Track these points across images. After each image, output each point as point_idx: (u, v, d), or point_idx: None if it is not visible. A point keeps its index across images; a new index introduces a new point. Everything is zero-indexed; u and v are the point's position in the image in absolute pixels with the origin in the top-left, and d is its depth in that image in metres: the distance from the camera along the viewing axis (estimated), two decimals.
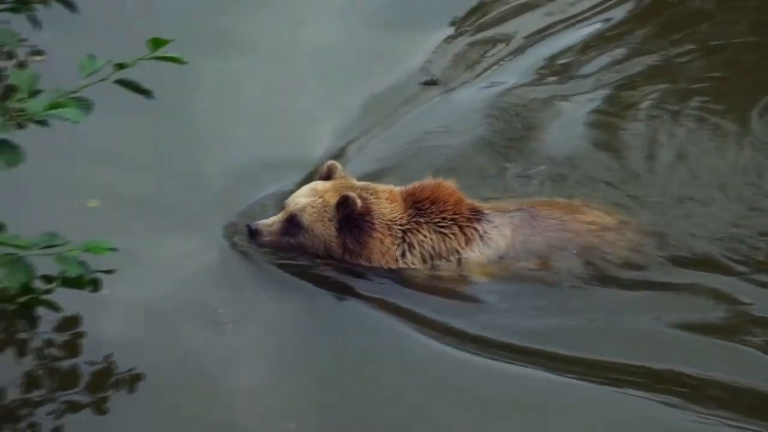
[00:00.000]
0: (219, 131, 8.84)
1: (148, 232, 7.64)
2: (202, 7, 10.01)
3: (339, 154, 8.59)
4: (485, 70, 9.98)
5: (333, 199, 7.31)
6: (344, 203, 7.26)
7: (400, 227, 7.39)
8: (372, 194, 7.41)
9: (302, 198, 7.36)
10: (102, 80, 4.88)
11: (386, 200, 7.39)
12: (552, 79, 9.82)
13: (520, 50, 10.30)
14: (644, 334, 7.11)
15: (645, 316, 7.24)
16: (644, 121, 9.01)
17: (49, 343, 6.76)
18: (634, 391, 6.63)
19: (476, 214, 7.42)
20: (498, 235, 7.39)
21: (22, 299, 5.21)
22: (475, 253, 7.37)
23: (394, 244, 7.38)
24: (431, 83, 9.63)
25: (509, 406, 6.61)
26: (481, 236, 7.37)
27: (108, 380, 6.61)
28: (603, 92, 9.64)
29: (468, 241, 7.37)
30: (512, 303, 7.34)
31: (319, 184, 7.46)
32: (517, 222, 7.44)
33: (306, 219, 7.34)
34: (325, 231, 7.34)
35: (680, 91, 9.46)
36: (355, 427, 6.54)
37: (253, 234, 7.34)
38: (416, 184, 7.49)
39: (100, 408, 6.49)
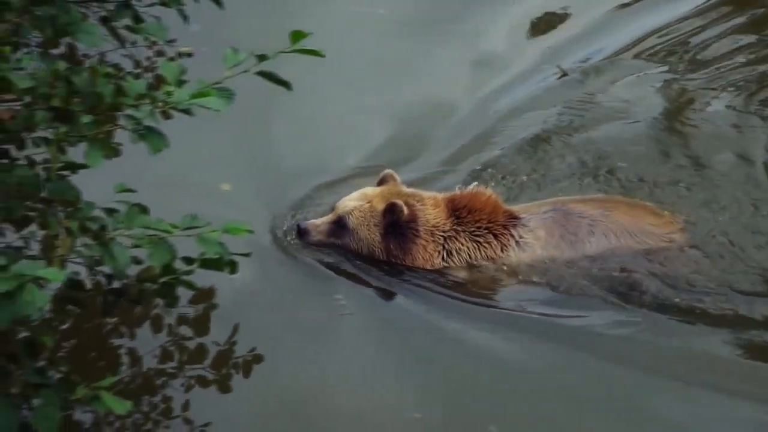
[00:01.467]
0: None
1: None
2: None
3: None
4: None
5: (380, 205, 7.50)
6: (391, 210, 7.44)
7: (442, 234, 7.56)
8: (418, 201, 7.58)
9: (351, 201, 7.59)
10: (244, 72, 5.05)
11: (431, 206, 7.56)
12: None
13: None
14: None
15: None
16: None
17: (182, 318, 7.08)
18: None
19: (511, 220, 7.55)
20: (533, 239, 7.49)
21: (163, 279, 5.47)
22: (512, 258, 7.46)
23: (435, 250, 7.58)
24: (564, 75, 9.63)
25: None
26: (516, 242, 7.49)
27: (230, 359, 6.89)
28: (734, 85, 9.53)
29: (504, 248, 7.49)
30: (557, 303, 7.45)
31: (368, 189, 7.70)
32: (549, 223, 7.50)
33: (352, 222, 7.53)
34: (369, 235, 7.52)
35: None
36: (481, 417, 6.64)
37: (302, 233, 7.58)
38: (456, 191, 7.65)
39: (224, 384, 6.76)
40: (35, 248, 6.88)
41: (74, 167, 5.36)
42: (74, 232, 5.14)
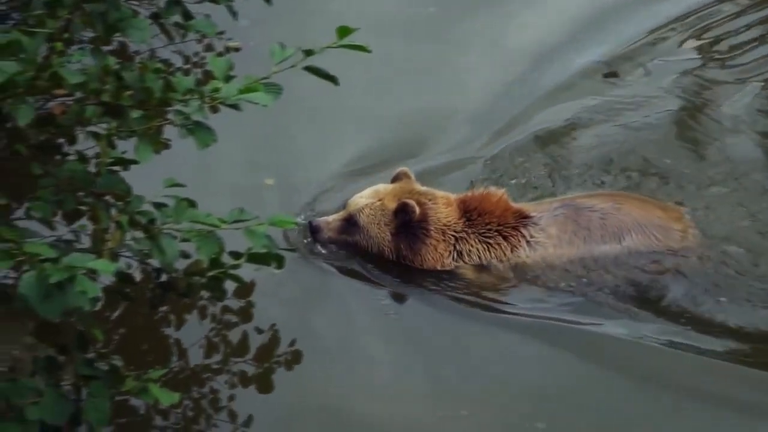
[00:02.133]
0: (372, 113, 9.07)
1: None
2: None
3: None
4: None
5: (391, 204, 7.51)
6: (403, 210, 7.42)
7: (453, 234, 7.54)
8: (430, 200, 7.58)
9: (363, 199, 7.58)
10: (291, 67, 5.13)
11: (443, 206, 7.55)
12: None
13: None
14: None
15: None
16: None
17: (227, 309, 7.18)
18: None
19: (522, 220, 7.52)
20: (544, 237, 7.47)
21: (211, 273, 5.56)
22: (522, 258, 7.45)
23: (446, 250, 7.57)
24: (612, 75, 9.60)
25: None
26: (528, 241, 7.47)
27: (274, 352, 6.98)
28: None
29: (514, 248, 7.48)
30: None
31: (381, 187, 7.70)
32: (561, 219, 7.49)
33: (363, 220, 7.52)
34: (380, 234, 7.52)
35: None
36: (526, 415, 6.68)
37: (313, 230, 7.57)
38: (467, 193, 7.63)
39: (266, 378, 6.84)
40: (86, 241, 7.04)
41: (124, 162, 5.46)
42: (124, 225, 5.25)
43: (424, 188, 7.76)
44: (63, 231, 6.89)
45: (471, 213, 7.62)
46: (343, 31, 5.05)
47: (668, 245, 7.55)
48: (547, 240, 7.51)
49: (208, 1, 6.03)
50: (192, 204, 5.34)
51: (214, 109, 5.12)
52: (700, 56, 9.89)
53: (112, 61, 5.11)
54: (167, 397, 5.48)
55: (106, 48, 5.74)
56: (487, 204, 7.61)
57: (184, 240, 5.33)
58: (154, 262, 5.46)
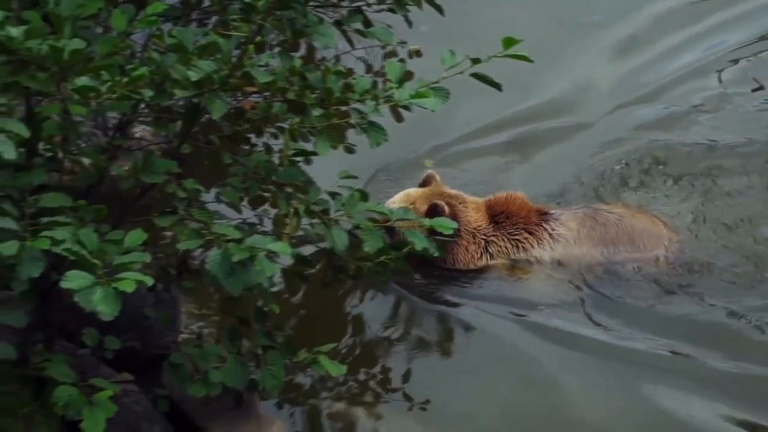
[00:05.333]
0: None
1: None
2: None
3: None
4: None
5: (423, 206, 7.69)
6: (433, 210, 7.52)
7: (483, 237, 7.71)
8: (460, 203, 7.78)
9: (395, 204, 7.68)
10: (459, 73, 5.44)
11: (473, 209, 7.75)
12: None
13: None
14: None
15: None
16: None
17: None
18: None
19: (544, 216, 7.87)
20: (565, 230, 7.81)
21: (378, 260, 6.00)
22: (547, 251, 7.77)
23: (477, 251, 7.75)
24: (759, 89, 9.58)
25: None
26: (550, 234, 7.77)
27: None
28: None
29: (539, 242, 7.78)
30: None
31: (412, 191, 7.92)
32: (581, 216, 7.85)
33: (397, 224, 7.68)
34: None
35: None
36: None
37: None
38: (491, 196, 7.90)
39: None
40: (267, 225, 7.53)
41: (305, 154, 5.87)
42: (301, 213, 5.69)
43: (453, 191, 8.07)
44: (248, 215, 7.44)
45: (498, 216, 8.01)
46: (509, 42, 5.33)
47: (674, 255, 7.96)
48: (568, 233, 7.93)
49: (387, 10, 6.36)
50: (364, 196, 5.78)
51: (394, 109, 5.50)
52: None
53: (298, 63, 5.49)
54: (336, 369, 5.96)
55: (294, 53, 6.09)
56: (513, 206, 8.02)
57: (356, 227, 5.78)
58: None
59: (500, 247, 7.97)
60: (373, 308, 7.70)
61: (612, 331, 7.58)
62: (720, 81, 9.85)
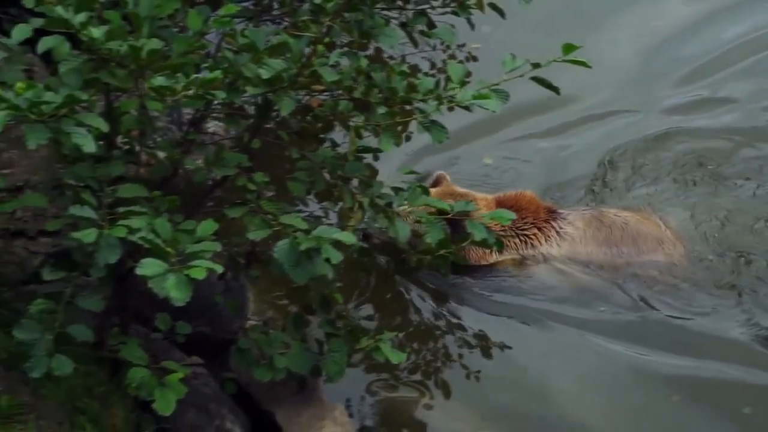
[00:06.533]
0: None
1: None
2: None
3: None
4: None
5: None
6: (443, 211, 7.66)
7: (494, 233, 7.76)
8: (471, 200, 7.72)
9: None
10: (520, 76, 5.55)
11: (483, 207, 7.75)
12: None
13: None
14: None
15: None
16: None
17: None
18: None
19: (552, 214, 8.02)
20: (572, 229, 7.93)
21: (438, 252, 6.17)
22: (554, 248, 7.91)
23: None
24: None
25: None
26: (557, 231, 7.90)
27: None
28: None
29: (547, 238, 7.92)
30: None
31: None
32: (587, 216, 7.97)
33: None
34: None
35: None
36: None
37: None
38: (500, 194, 8.02)
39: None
40: (333, 218, 7.73)
41: (369, 150, 6.06)
42: (365, 206, 5.88)
43: (463, 190, 8.19)
44: (314, 208, 7.65)
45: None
46: (568, 48, 5.45)
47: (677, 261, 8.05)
48: (575, 231, 8.08)
49: (450, 13, 6.50)
50: (425, 191, 5.97)
51: (450, 109, 5.57)
52: None
53: (365, 63, 5.65)
54: (396, 356, 6.17)
55: (362, 52, 6.23)
56: (522, 203, 8.14)
57: (417, 221, 5.97)
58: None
59: (509, 242, 8.12)
60: (420, 301, 7.91)
61: (612, 332, 7.71)
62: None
